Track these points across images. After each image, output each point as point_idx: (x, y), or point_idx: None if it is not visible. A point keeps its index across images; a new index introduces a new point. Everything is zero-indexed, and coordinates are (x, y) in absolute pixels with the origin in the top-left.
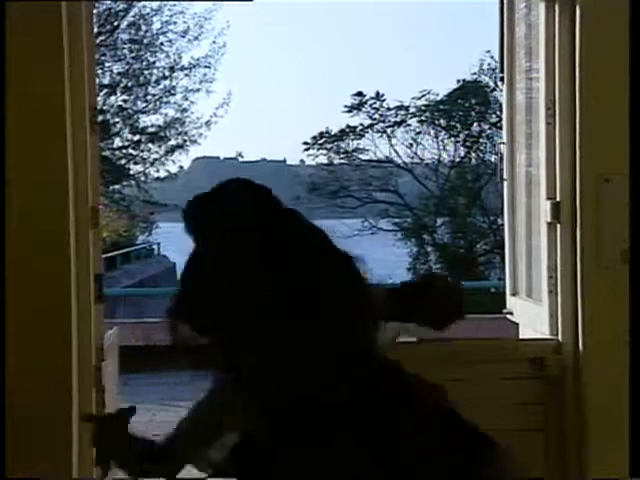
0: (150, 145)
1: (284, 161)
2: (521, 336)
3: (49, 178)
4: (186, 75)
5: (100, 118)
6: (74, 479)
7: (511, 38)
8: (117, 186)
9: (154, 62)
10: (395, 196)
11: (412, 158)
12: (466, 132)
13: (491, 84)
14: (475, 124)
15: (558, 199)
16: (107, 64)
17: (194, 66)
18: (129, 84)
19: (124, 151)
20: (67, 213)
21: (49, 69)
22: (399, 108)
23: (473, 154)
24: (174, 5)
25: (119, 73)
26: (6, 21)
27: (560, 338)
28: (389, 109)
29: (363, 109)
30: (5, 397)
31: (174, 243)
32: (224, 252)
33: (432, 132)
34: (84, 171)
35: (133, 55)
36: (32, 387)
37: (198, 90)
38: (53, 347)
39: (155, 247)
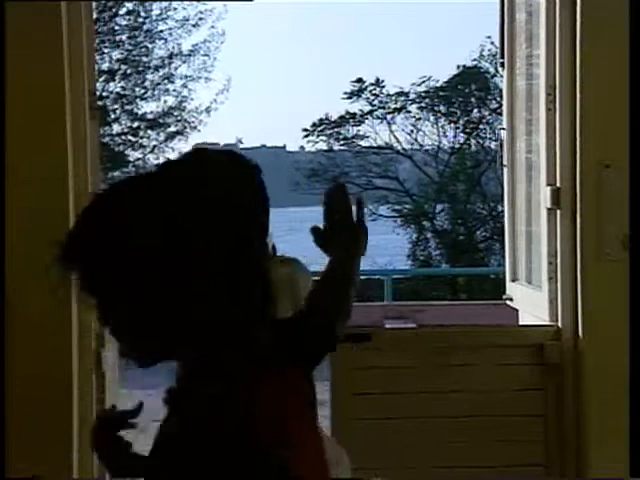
0: (149, 132)
1: (284, 147)
2: (521, 322)
3: (49, 163)
4: (184, 62)
5: (99, 104)
6: (74, 479)
7: (512, 24)
8: (116, 173)
9: (153, 49)
10: (395, 182)
11: (412, 144)
12: (466, 118)
13: (491, 70)
14: (475, 110)
15: (558, 185)
16: (106, 50)
17: (193, 53)
18: (128, 71)
19: (123, 138)
20: (67, 199)
21: (49, 54)
22: (399, 94)
23: (473, 140)
24: None
25: (118, 60)
26: (6, 7)
27: (560, 324)
28: (389, 95)
29: (363, 95)
30: (5, 391)
31: None
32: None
33: (432, 118)
34: (84, 156)
35: (132, 42)
36: (32, 375)
37: (198, 78)
38: (53, 333)
39: None
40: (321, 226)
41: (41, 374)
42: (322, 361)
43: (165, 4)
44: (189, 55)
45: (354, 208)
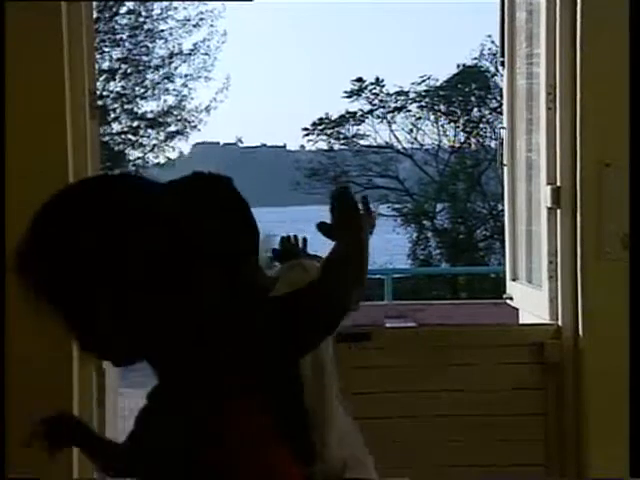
0: (149, 131)
1: (284, 147)
2: (521, 321)
3: (49, 162)
4: (185, 62)
5: (99, 103)
6: (74, 479)
7: (512, 23)
8: (116, 172)
9: (153, 48)
10: (395, 182)
11: (412, 143)
12: (466, 117)
13: (491, 69)
14: (475, 109)
15: (558, 184)
16: (106, 49)
17: (193, 52)
18: (128, 70)
19: (123, 137)
20: None
21: (49, 54)
22: (399, 93)
23: (473, 139)
24: None
25: (118, 59)
26: (6, 6)
27: (560, 323)
28: (389, 95)
29: (363, 95)
30: (4, 389)
31: None
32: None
33: (432, 117)
34: (84, 155)
35: (132, 41)
36: (32, 374)
37: (198, 77)
38: (54, 332)
39: None
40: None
41: (41, 374)
42: (334, 328)
43: (166, 4)
44: (189, 54)
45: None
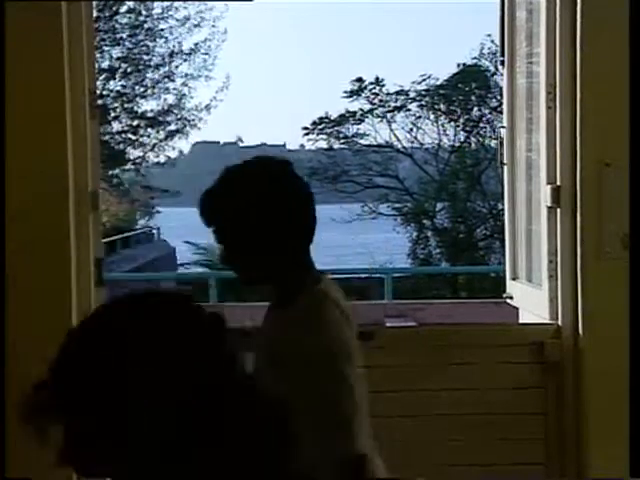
0: (149, 130)
1: (284, 146)
2: (521, 320)
3: (49, 162)
4: (185, 61)
5: (99, 103)
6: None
7: (512, 22)
8: (116, 171)
9: (154, 47)
10: (395, 181)
11: (412, 143)
12: (466, 117)
13: (491, 68)
14: (475, 108)
15: (558, 184)
16: (106, 48)
17: (194, 51)
18: (128, 69)
19: (123, 136)
20: (67, 197)
21: (49, 54)
22: (399, 93)
23: (473, 139)
24: None
25: (118, 58)
26: (6, 6)
27: (560, 322)
28: (389, 94)
29: (363, 94)
30: (4, 389)
31: (173, 227)
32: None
33: (432, 117)
34: (84, 155)
35: (132, 40)
36: (31, 374)
37: (198, 77)
38: (53, 331)
39: (155, 232)
40: None
41: (41, 374)
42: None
43: (166, 3)
44: (190, 54)
45: None
